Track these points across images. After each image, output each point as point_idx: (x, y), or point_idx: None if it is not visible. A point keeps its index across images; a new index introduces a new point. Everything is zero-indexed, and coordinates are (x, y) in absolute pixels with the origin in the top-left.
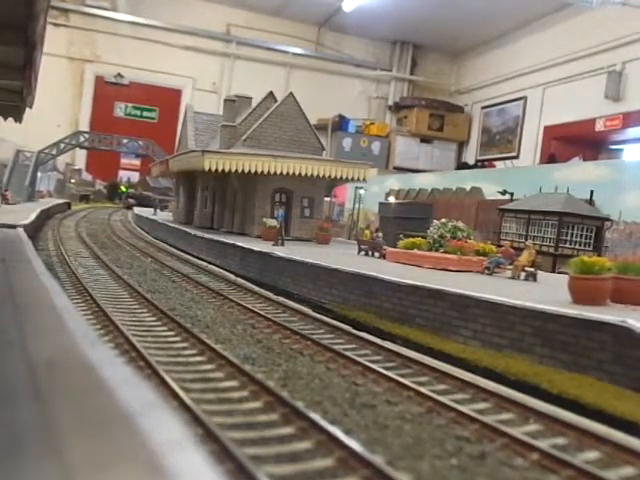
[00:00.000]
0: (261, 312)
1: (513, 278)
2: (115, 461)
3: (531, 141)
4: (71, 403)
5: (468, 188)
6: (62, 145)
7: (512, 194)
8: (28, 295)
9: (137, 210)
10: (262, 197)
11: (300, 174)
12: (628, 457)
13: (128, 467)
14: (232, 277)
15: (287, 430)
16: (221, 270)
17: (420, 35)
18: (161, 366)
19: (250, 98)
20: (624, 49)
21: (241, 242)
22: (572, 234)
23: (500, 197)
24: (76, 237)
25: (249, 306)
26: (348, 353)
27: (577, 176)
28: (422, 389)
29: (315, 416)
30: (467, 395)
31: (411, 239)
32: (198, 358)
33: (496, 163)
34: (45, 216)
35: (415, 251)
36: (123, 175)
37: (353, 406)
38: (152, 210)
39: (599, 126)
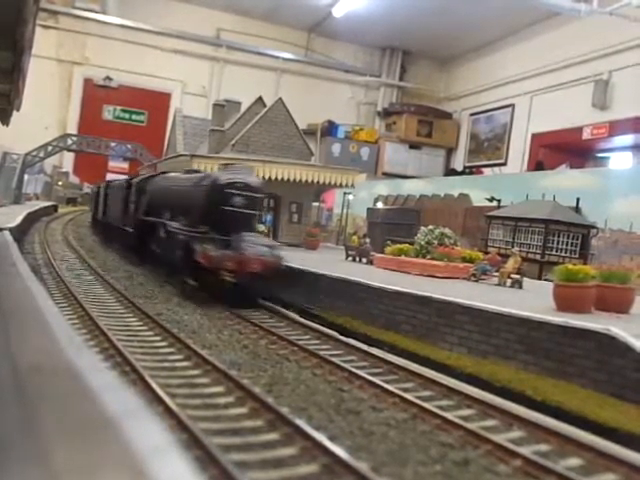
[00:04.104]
0: (247, 317)
1: (499, 285)
2: (99, 466)
3: (519, 148)
4: (56, 408)
5: (456, 194)
6: (50, 148)
7: (499, 201)
8: (13, 299)
9: None
10: None
11: (288, 179)
12: (610, 463)
13: (112, 472)
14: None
15: (272, 436)
16: None
17: (410, 42)
18: (147, 371)
19: (239, 103)
20: (611, 58)
21: None
22: (558, 241)
23: (487, 204)
24: (63, 240)
25: (235, 312)
26: (334, 359)
27: (564, 183)
28: (407, 395)
29: (300, 422)
30: (452, 402)
31: (398, 245)
32: (184, 363)
33: (484, 170)
34: (32, 219)
35: (403, 257)
36: (111, 178)
37: (339, 412)
38: None
39: (586, 134)
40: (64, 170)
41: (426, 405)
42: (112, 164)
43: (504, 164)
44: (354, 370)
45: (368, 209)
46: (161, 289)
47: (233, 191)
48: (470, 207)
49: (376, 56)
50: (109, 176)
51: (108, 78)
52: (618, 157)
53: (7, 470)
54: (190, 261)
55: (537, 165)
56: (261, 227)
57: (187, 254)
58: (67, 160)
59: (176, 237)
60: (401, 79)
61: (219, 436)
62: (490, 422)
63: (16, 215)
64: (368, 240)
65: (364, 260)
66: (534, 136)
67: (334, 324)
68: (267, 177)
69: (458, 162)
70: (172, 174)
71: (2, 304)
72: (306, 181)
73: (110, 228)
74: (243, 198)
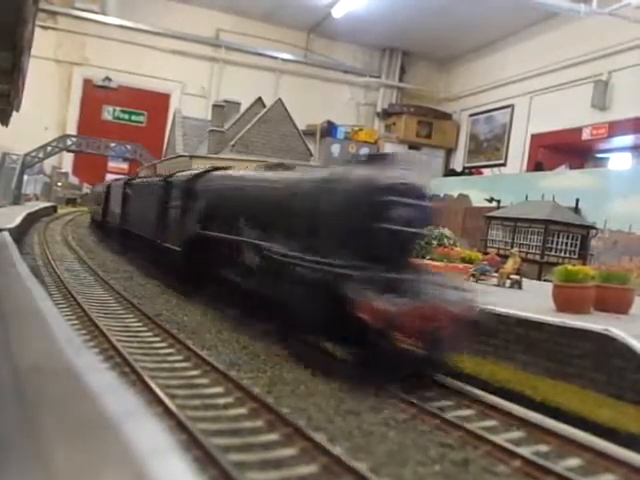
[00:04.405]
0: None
1: (498, 285)
2: (99, 467)
3: (518, 149)
4: (55, 409)
5: (455, 195)
6: (49, 148)
7: (499, 201)
8: (12, 300)
9: None
10: None
11: None
12: (609, 464)
13: (112, 473)
14: None
15: (272, 437)
16: None
17: (409, 42)
18: (146, 372)
19: (239, 104)
20: (610, 59)
21: None
22: (558, 242)
23: (487, 204)
24: (62, 241)
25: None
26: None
27: (563, 184)
28: (406, 396)
29: (300, 423)
30: (451, 402)
31: None
32: (184, 364)
33: (483, 170)
34: (31, 219)
35: None
36: (110, 179)
37: (338, 413)
38: None
39: (585, 135)
40: (63, 171)
41: (425, 406)
42: (112, 165)
43: (504, 165)
44: None
45: None
46: (160, 290)
47: (398, 199)
48: (470, 207)
49: (376, 57)
50: (108, 177)
51: (107, 79)
52: (617, 158)
53: (7, 471)
54: (337, 315)
55: (536, 166)
56: None
57: (328, 302)
58: (66, 161)
59: (296, 272)
60: (401, 80)
61: (218, 437)
62: (489, 422)
63: (15, 216)
64: None
65: None
66: (533, 137)
67: None
68: None
69: (457, 163)
70: (244, 171)
71: (2, 305)
72: None
73: (132, 239)
74: (413, 210)
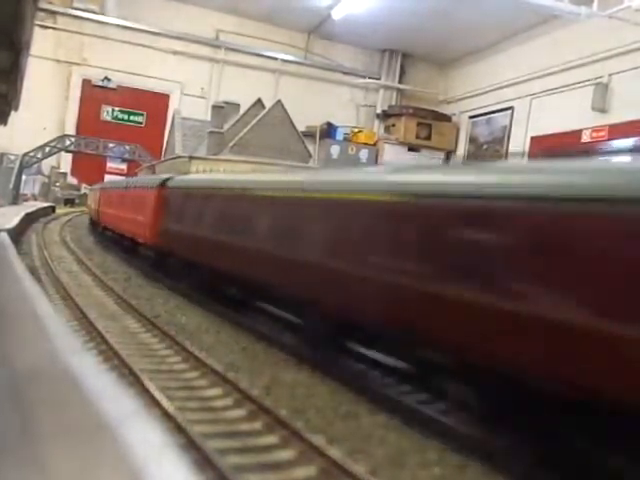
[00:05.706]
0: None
1: None
2: (97, 470)
3: (518, 151)
4: (53, 411)
5: None
6: (48, 148)
7: None
8: (10, 301)
9: None
10: None
11: None
12: None
13: (110, 476)
14: None
15: (270, 439)
16: None
17: (409, 44)
18: (145, 374)
19: (238, 104)
20: (610, 61)
21: None
22: None
23: None
24: (60, 241)
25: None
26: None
27: None
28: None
29: (299, 425)
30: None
31: None
32: (182, 366)
33: None
34: (29, 220)
35: None
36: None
37: (337, 415)
38: None
39: (585, 137)
40: (62, 171)
41: (424, 407)
42: (110, 165)
43: None
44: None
45: None
46: (159, 291)
47: None
48: None
49: (376, 58)
50: (107, 177)
51: (106, 79)
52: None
53: (4, 474)
54: None
55: None
56: None
57: None
58: (65, 161)
59: None
60: (400, 81)
61: (216, 439)
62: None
63: (14, 216)
64: None
65: None
66: (533, 139)
67: None
68: None
69: None
70: None
71: None
72: None
73: None
74: None
